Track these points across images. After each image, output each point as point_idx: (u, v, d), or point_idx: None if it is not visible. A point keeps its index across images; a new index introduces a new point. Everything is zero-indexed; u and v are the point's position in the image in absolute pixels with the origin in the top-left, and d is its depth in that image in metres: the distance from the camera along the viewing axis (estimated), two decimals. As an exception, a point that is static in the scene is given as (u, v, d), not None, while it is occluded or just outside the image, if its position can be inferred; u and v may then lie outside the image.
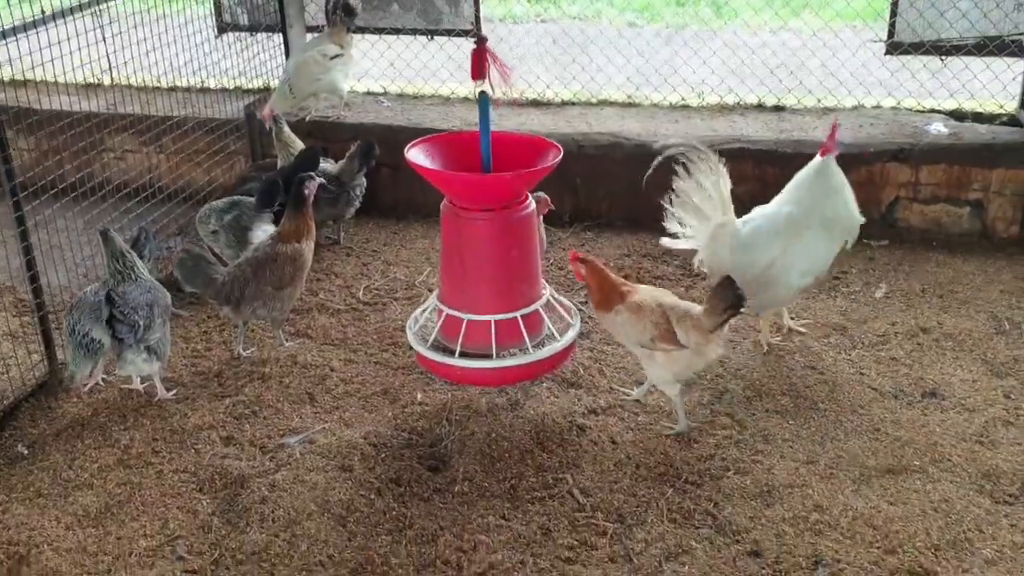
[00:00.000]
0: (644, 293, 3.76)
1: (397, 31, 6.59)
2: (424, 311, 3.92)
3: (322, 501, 3.53)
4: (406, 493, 3.60)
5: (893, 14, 5.74)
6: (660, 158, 4.21)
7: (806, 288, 4.40)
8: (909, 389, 4.15)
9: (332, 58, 6.14)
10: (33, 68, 5.46)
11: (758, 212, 4.41)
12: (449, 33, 6.48)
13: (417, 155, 3.59)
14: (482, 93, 3.54)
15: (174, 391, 4.32)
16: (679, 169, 4.23)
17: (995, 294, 4.87)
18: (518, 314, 3.65)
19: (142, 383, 4.35)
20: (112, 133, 6.34)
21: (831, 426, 3.90)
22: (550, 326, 3.75)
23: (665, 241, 4.46)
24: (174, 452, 3.90)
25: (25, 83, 6.77)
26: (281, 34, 6.72)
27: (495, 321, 3.63)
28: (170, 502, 3.61)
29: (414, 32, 6.56)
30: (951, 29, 5.69)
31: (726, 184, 4.26)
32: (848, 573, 3.12)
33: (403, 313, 4.88)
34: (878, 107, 6.02)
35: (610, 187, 5.94)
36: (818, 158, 4.30)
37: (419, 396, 4.20)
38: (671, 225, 4.41)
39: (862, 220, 4.33)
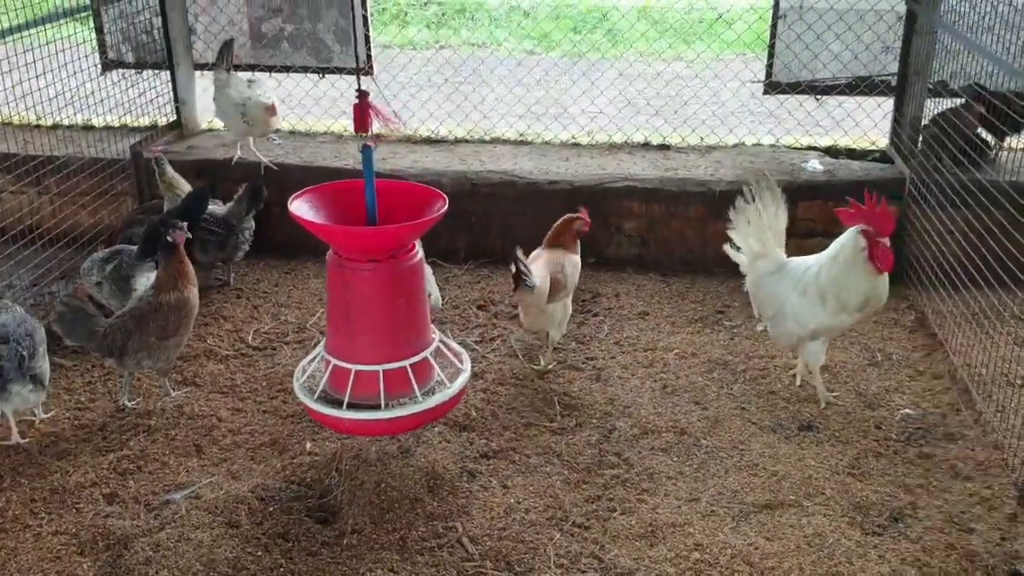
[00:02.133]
0: None
1: (287, 69, 6.57)
2: (312, 360, 3.91)
3: (208, 560, 3.47)
4: (294, 548, 3.57)
5: (770, 56, 6.00)
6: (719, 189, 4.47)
7: (814, 339, 4.36)
8: (787, 423, 4.31)
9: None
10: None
11: (803, 258, 4.45)
12: (340, 71, 6.49)
13: (300, 207, 3.59)
14: (365, 146, 3.56)
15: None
16: (745, 192, 4.44)
17: (868, 326, 5.10)
18: (407, 363, 3.66)
19: (20, 436, 4.23)
20: (-11, 175, 6.14)
21: (713, 462, 4.03)
22: (439, 373, 3.77)
23: (727, 248, 4.64)
24: (54, 512, 3.79)
25: None
26: (168, 71, 6.61)
27: (383, 371, 3.63)
28: (49, 567, 3.50)
29: (304, 70, 6.55)
30: (825, 70, 5.97)
31: (781, 219, 4.45)
32: (726, 612, 3.23)
33: (293, 358, 4.85)
34: (758, 145, 6.27)
35: (504, 224, 6.02)
36: (849, 230, 4.21)
37: (308, 445, 4.17)
38: (733, 238, 4.59)
39: (878, 298, 4.23)
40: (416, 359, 3.69)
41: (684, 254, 5.91)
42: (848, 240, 4.21)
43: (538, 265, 4.54)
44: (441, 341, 3.95)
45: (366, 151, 3.57)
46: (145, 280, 4.93)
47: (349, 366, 3.66)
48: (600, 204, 5.84)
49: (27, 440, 4.23)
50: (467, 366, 3.91)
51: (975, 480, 3.93)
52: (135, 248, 5.08)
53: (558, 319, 4.66)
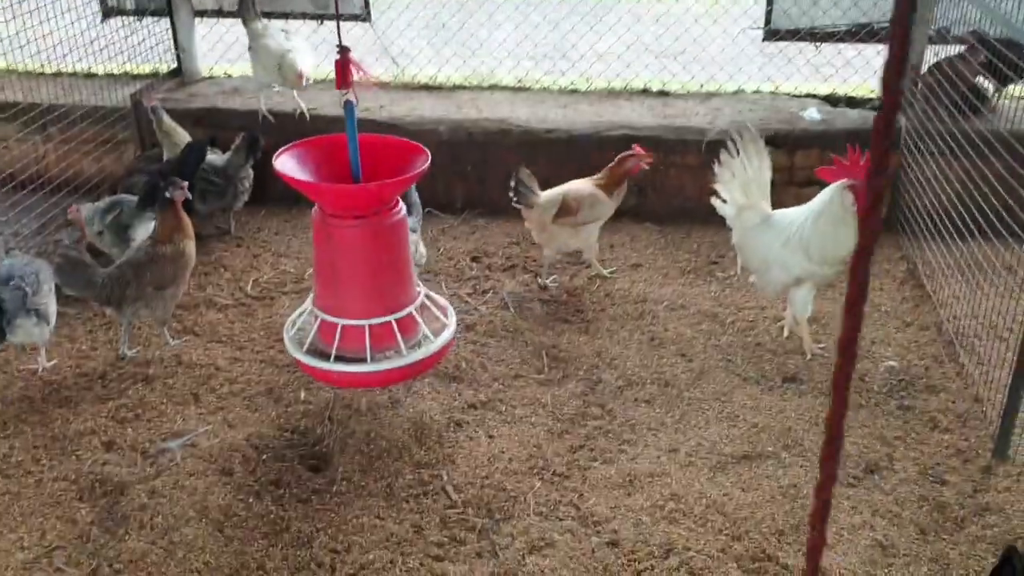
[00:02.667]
0: None
1: (286, 15, 6.55)
2: (300, 314, 4.00)
3: (201, 507, 3.61)
4: (285, 495, 3.70)
5: (769, 2, 5.92)
6: (708, 139, 4.55)
7: (798, 287, 4.40)
8: (771, 374, 4.38)
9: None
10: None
11: (786, 211, 4.49)
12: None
13: (285, 163, 3.64)
14: (347, 102, 3.59)
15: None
16: (729, 145, 4.50)
17: (859, 277, 5.12)
18: (392, 318, 3.75)
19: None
20: (-4, 122, 6.20)
21: (694, 414, 4.11)
22: (424, 328, 3.85)
23: (714, 201, 4.70)
24: (55, 459, 3.93)
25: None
26: (168, 18, 6.62)
27: (369, 325, 3.72)
28: (49, 512, 3.65)
29: (303, 16, 6.53)
30: (825, 17, 5.89)
31: (765, 172, 4.50)
32: (697, 561, 3.33)
33: (291, 307, 4.93)
34: (757, 92, 6.23)
35: (501, 174, 6.03)
36: (834, 185, 4.23)
37: (303, 395, 4.29)
38: (718, 191, 4.64)
39: (844, 255, 4.22)
40: (401, 314, 3.77)
41: (682, 203, 5.93)
42: (834, 196, 4.22)
43: (557, 188, 4.92)
44: (427, 296, 4.02)
45: (348, 107, 3.60)
46: (143, 231, 5.02)
47: (336, 320, 3.74)
48: (597, 153, 5.85)
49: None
50: (452, 320, 3.98)
51: (953, 432, 4.00)
52: (135, 198, 5.16)
53: (565, 243, 5.00)
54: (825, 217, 4.24)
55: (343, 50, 3.56)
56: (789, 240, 4.33)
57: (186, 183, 4.54)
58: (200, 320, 4.92)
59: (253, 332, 4.82)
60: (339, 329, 3.74)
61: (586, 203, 4.92)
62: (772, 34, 6.01)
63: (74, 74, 6.71)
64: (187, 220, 4.59)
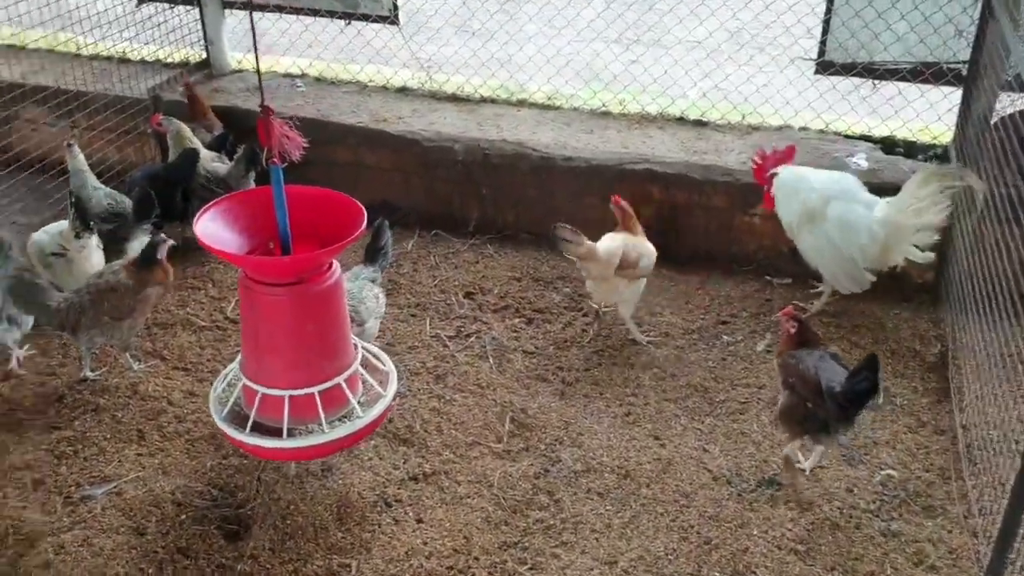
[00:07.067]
0: None
1: (314, 12, 6.29)
2: (228, 374, 3.77)
3: (99, 574, 3.46)
4: (190, 567, 3.51)
5: (825, 31, 5.32)
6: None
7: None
8: (747, 473, 3.94)
9: None
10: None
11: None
12: (366, 18, 6.17)
13: (207, 225, 3.37)
14: (272, 163, 3.30)
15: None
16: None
17: (884, 359, 4.55)
18: (314, 390, 3.48)
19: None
20: (28, 105, 6.18)
21: (646, 516, 3.72)
22: (353, 401, 3.57)
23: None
24: (-19, 495, 3.86)
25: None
26: (197, 7, 6.45)
27: (289, 396, 3.47)
28: (-44, 556, 3.58)
29: (331, 15, 6.26)
30: (885, 52, 5.26)
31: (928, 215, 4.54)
32: None
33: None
34: (805, 129, 5.63)
35: (517, 199, 5.69)
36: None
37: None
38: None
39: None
40: (325, 386, 3.50)
41: (703, 248, 5.45)
42: None
43: (610, 239, 4.63)
44: (368, 359, 3.75)
45: (274, 169, 3.31)
46: (138, 244, 4.89)
47: (255, 387, 3.50)
48: (618, 186, 5.42)
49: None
50: (390, 391, 3.69)
51: (940, 572, 3.50)
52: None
53: (624, 295, 4.66)
54: None
55: (265, 110, 3.26)
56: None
57: (170, 242, 4.40)
58: (172, 342, 4.78)
59: (219, 362, 4.64)
60: (258, 397, 3.50)
61: (645, 254, 4.65)
62: (825, 67, 5.40)
63: (109, 58, 6.64)
64: (167, 271, 4.41)
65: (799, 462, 3.94)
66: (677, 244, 5.44)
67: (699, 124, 5.79)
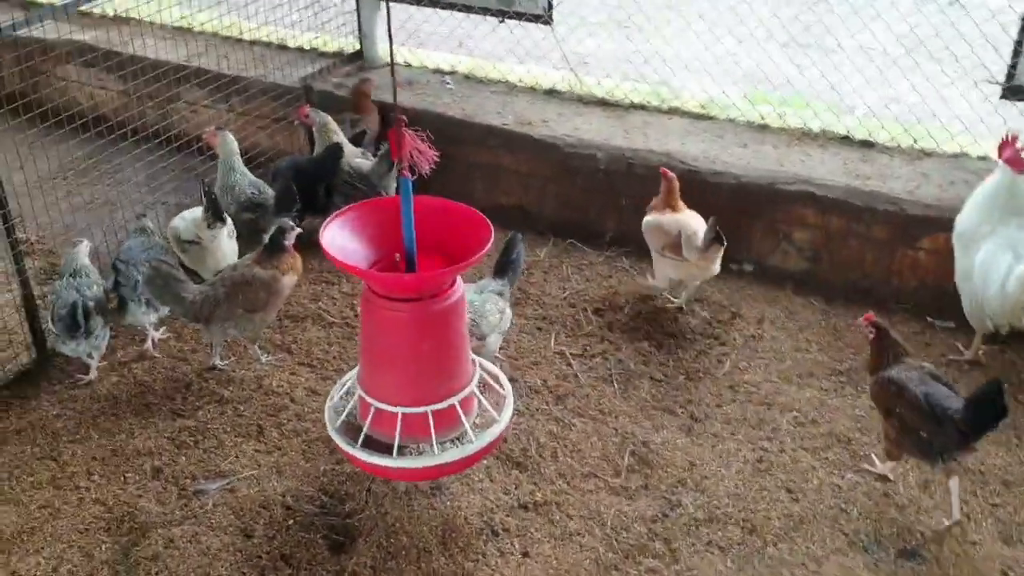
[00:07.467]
0: None
1: (468, 8, 6.18)
2: (346, 382, 3.70)
3: (203, 574, 3.46)
4: (291, 576, 3.47)
5: (1015, 54, 4.80)
6: None
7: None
8: (888, 541, 3.58)
9: None
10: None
11: None
12: (520, 17, 6.01)
13: (334, 235, 3.30)
14: (401, 175, 3.19)
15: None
16: None
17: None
18: (428, 409, 3.36)
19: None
20: (190, 87, 6.35)
21: (768, 581, 3.43)
22: (466, 423, 3.44)
23: None
24: (104, 477, 3.94)
25: (116, 20, 6.95)
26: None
27: (402, 413, 3.36)
28: (75, 539, 3.65)
29: (484, 12, 6.13)
30: (1087, 78, 4.70)
31: None
32: None
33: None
34: (983, 159, 5.11)
35: (658, 212, 5.42)
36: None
37: (355, 454, 4.02)
38: None
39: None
40: (438, 406, 3.38)
41: (859, 280, 5.04)
42: None
43: (673, 217, 4.76)
44: (486, 378, 3.60)
45: (404, 181, 3.19)
46: None
47: (370, 400, 3.42)
48: (769, 206, 5.09)
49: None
50: (505, 416, 3.54)
51: None
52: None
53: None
54: None
55: (398, 120, 3.14)
56: None
57: (297, 229, 4.44)
58: (300, 337, 4.78)
59: (344, 360, 4.61)
60: (372, 410, 3.41)
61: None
62: (1014, 92, 4.87)
63: (268, 44, 6.74)
64: (297, 257, 4.43)
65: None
66: (830, 272, 5.06)
67: (865, 145, 5.34)
